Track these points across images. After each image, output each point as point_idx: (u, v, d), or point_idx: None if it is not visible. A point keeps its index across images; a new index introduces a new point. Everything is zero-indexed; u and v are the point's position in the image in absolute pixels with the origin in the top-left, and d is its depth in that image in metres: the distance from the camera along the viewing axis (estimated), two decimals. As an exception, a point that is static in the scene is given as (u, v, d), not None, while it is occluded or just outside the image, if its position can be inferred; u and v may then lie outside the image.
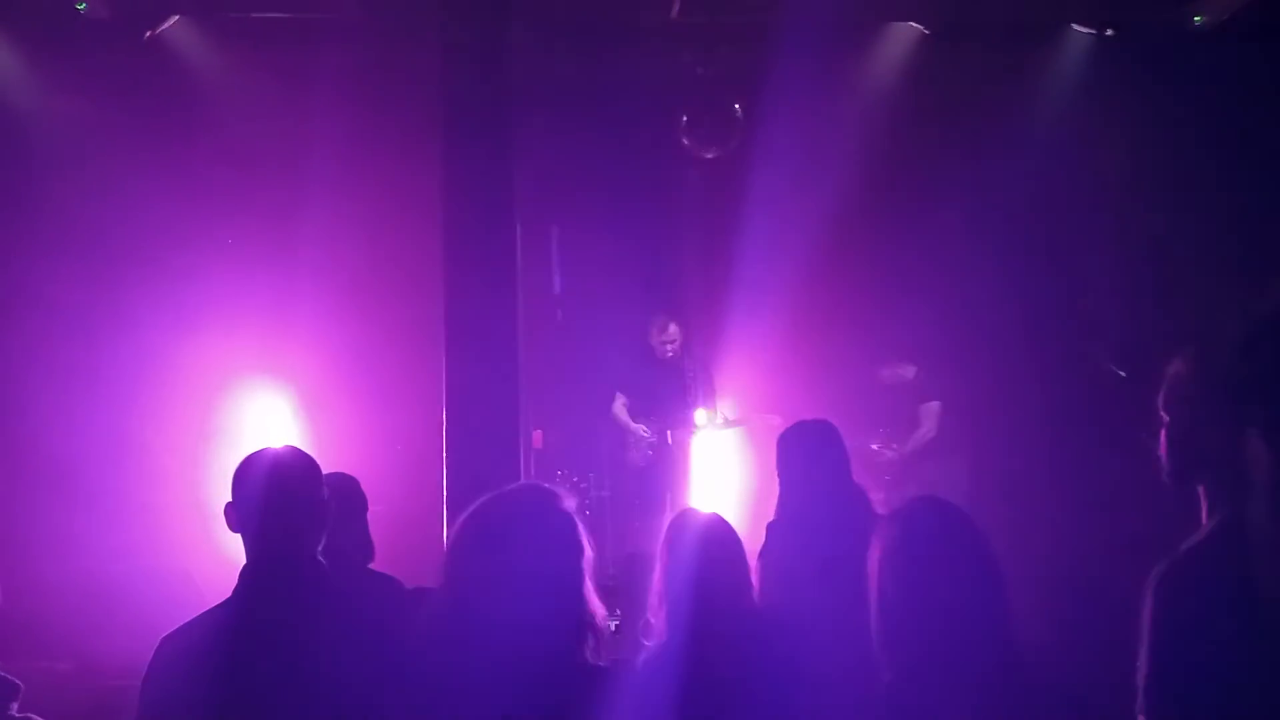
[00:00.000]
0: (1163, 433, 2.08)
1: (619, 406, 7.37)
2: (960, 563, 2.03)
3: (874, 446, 7.28)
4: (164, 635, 2.47)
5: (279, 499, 2.47)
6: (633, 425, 7.30)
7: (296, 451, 2.63)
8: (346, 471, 3.69)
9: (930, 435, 7.31)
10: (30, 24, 6.72)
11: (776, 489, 3.90)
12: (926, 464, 7.27)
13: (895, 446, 7.29)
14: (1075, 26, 7.26)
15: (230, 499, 2.52)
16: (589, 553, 2.19)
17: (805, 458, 3.77)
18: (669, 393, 7.26)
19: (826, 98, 7.33)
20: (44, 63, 6.80)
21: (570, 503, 2.25)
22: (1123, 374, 6.79)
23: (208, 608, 2.53)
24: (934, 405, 7.33)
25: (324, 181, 7.34)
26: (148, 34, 6.77)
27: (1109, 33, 7.20)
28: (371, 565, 3.67)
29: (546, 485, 2.30)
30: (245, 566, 2.49)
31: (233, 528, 2.50)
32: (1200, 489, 2.03)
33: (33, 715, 2.54)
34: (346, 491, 3.56)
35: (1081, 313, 7.80)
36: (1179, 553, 1.97)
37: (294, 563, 2.47)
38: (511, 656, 2.00)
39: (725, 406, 7.44)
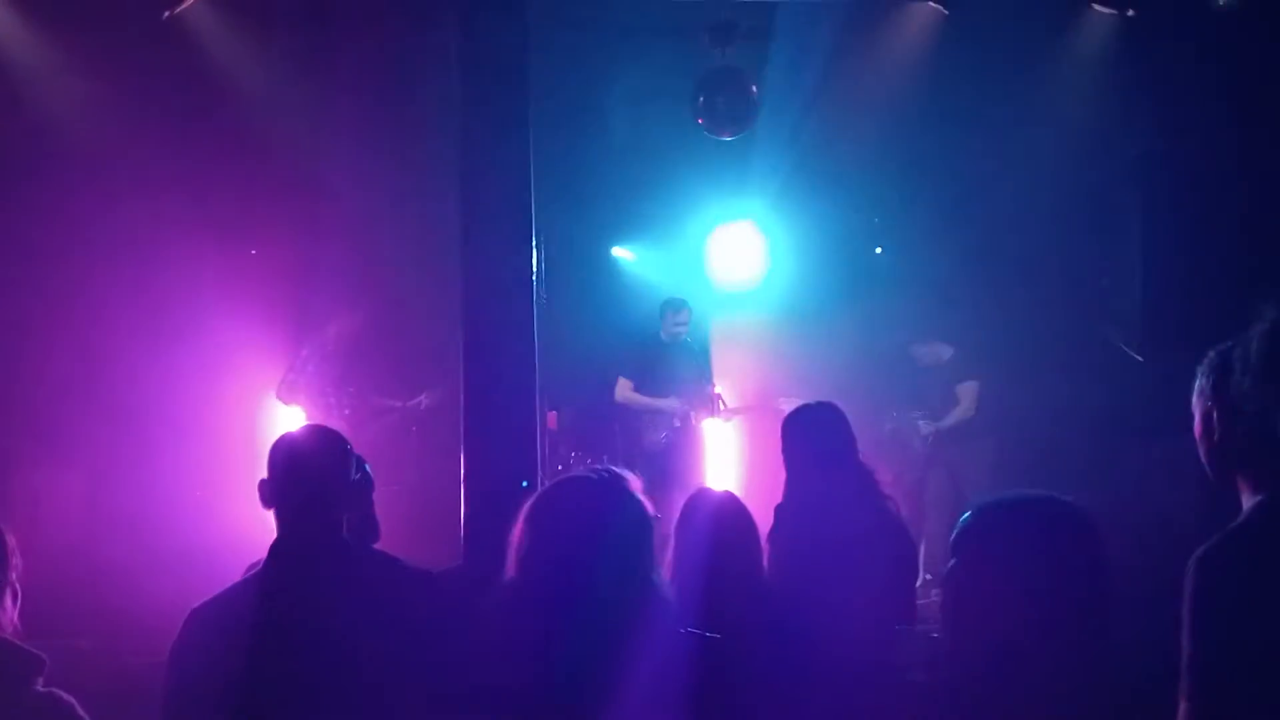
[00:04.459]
0: (1198, 423, 2.10)
1: (627, 390, 7.26)
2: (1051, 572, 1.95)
3: (915, 418, 7.25)
4: (193, 608, 2.55)
5: (304, 477, 2.57)
6: (658, 402, 7.19)
7: (325, 431, 2.73)
8: (359, 452, 3.71)
9: (970, 415, 7.29)
10: (48, 3, 6.73)
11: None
12: (954, 447, 7.28)
13: (931, 421, 7.29)
14: (1096, 7, 7.18)
15: (265, 476, 2.62)
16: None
17: (809, 440, 3.78)
18: (686, 374, 7.25)
19: (844, 79, 7.29)
20: (62, 43, 6.81)
21: (639, 486, 2.28)
22: (1139, 358, 6.74)
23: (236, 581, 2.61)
24: (972, 385, 7.32)
25: (343, 162, 7.36)
26: (167, 14, 6.77)
27: (1130, 13, 7.12)
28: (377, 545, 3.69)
29: (615, 470, 2.33)
30: (274, 541, 2.58)
31: (265, 504, 2.60)
32: (1237, 475, 2.05)
33: (56, 690, 2.57)
34: None
35: (1099, 294, 7.76)
36: (1220, 535, 2.00)
37: (320, 538, 2.56)
38: (588, 634, 2.05)
39: (726, 391, 7.43)
